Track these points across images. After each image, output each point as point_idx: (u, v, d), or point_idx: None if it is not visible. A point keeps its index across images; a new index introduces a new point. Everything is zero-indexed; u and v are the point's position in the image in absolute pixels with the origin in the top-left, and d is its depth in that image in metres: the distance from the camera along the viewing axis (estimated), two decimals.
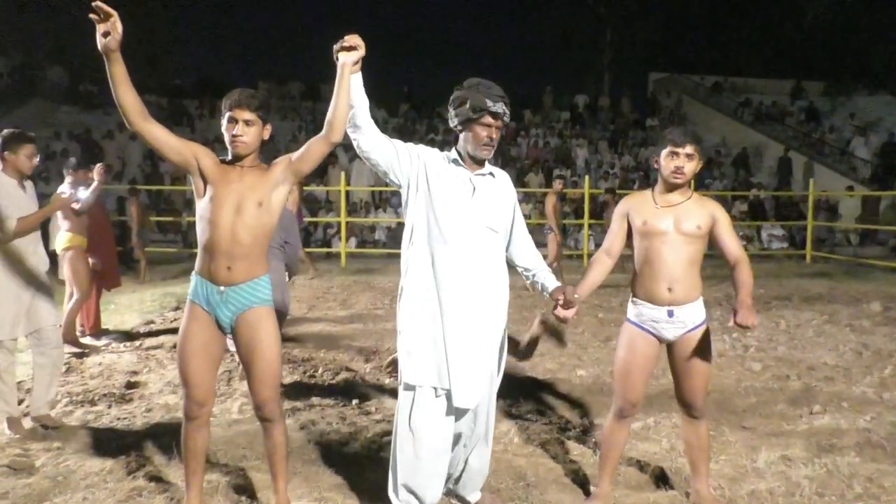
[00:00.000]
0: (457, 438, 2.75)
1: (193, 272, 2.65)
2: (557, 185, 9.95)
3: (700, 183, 16.52)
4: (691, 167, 2.85)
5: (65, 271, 5.86)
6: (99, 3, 2.24)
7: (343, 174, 13.37)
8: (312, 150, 2.62)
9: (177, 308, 7.95)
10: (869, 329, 6.92)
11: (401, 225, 13.76)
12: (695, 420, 2.98)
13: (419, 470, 2.62)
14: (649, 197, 2.96)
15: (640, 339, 2.92)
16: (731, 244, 2.86)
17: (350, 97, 2.52)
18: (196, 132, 19.28)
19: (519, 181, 16.26)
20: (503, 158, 18.06)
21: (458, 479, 2.90)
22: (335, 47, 2.52)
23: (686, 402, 2.96)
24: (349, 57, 2.50)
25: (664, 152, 2.87)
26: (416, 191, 2.66)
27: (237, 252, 2.56)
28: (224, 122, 2.61)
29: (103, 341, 6.24)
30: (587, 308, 7.98)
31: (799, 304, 8.41)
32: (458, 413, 2.68)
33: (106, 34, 2.28)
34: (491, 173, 2.78)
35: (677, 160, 2.84)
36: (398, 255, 2.81)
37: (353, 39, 2.51)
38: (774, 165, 19.42)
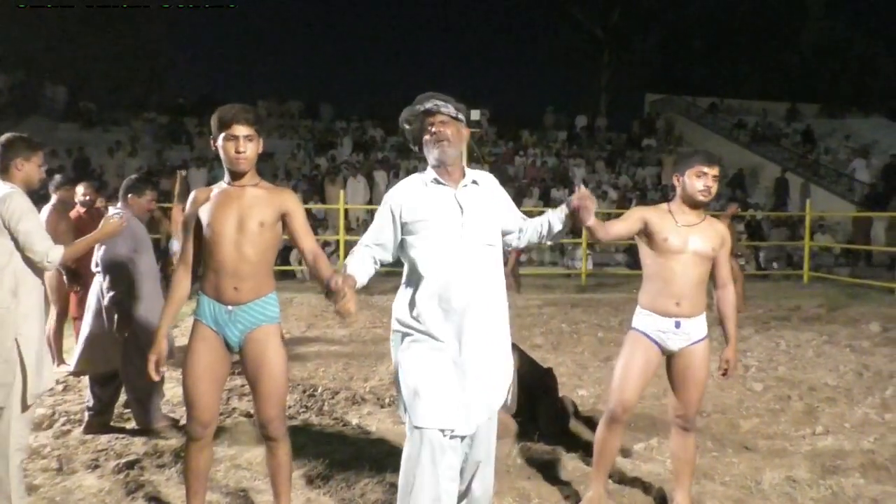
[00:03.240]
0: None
1: (199, 291, 2.65)
2: (732, 208, 9.08)
3: None
4: (716, 188, 2.97)
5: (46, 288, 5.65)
6: None
7: (342, 192, 13.39)
8: (301, 245, 2.69)
9: (174, 327, 7.88)
10: (869, 350, 6.91)
11: None
12: (685, 433, 3.08)
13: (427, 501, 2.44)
14: (668, 214, 3.00)
15: (644, 345, 3.00)
16: (724, 269, 3.06)
17: None
18: (195, 150, 19.31)
19: (517, 201, 16.26)
20: (500, 178, 18.07)
21: None
22: (333, 304, 2.43)
23: (680, 414, 3.06)
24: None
25: (691, 171, 2.94)
26: (404, 240, 2.62)
27: (243, 271, 2.56)
28: (220, 141, 2.56)
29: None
30: (587, 327, 7.97)
31: (798, 325, 8.40)
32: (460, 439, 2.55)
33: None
34: (474, 181, 2.66)
35: (706, 179, 2.93)
36: (396, 273, 2.80)
37: (348, 309, 2.44)
38: (771, 186, 19.50)
